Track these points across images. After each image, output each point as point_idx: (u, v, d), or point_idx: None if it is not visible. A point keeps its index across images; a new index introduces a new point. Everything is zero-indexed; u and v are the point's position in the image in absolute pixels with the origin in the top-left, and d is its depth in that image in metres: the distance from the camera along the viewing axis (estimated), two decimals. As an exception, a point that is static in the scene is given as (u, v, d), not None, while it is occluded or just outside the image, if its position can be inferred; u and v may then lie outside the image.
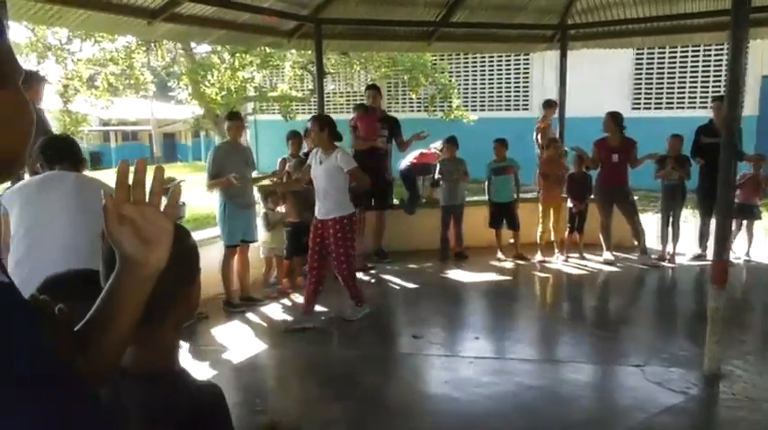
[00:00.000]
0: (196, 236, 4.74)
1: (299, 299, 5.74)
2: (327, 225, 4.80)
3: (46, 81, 5.36)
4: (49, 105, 14.15)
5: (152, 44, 13.66)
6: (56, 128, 13.76)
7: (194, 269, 1.23)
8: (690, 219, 7.97)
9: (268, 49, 12.15)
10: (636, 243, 6.82)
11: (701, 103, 12.00)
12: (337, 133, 4.92)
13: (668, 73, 12.51)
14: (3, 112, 0.71)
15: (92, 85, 13.28)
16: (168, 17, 5.80)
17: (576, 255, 7.03)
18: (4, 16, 4.18)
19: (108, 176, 11.15)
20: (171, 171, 11.66)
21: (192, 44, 13.27)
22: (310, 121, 4.98)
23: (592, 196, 6.93)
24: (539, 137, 8.33)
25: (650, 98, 12.73)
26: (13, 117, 0.73)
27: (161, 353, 1.19)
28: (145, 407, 1.14)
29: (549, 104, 8.50)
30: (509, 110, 14.26)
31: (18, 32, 12.25)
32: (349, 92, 15.66)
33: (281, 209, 5.94)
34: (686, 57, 12.32)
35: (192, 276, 1.21)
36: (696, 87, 12.29)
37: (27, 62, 12.15)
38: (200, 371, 4.14)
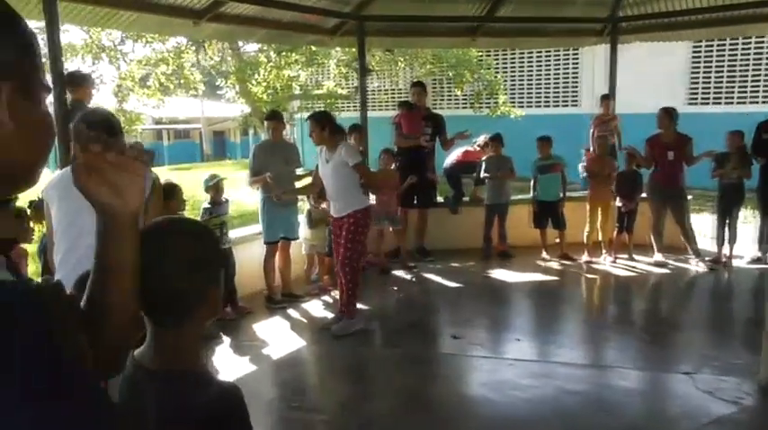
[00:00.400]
0: (240, 232, 4.83)
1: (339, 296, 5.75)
2: (343, 223, 4.70)
3: (94, 81, 5.52)
4: (105, 105, 14.69)
5: (201, 44, 13.96)
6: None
7: (218, 270, 1.22)
8: (750, 220, 7.60)
9: (313, 48, 12.24)
10: (687, 246, 6.53)
11: (763, 97, 11.44)
12: (339, 128, 4.84)
13: (728, 66, 11.95)
14: (25, 127, 0.74)
15: (144, 84, 13.68)
16: (213, 17, 5.90)
17: (625, 256, 6.80)
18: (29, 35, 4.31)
19: (162, 174, 11.43)
20: (220, 169, 11.92)
21: (240, 43, 13.50)
22: (308, 121, 4.76)
23: (642, 195, 6.69)
24: (595, 132, 8.03)
25: (708, 92, 12.20)
26: (34, 132, 0.77)
27: (183, 351, 1.19)
28: (164, 406, 1.14)
29: (605, 98, 8.17)
30: (557, 106, 13.95)
31: (74, 34, 12.74)
32: (393, 89, 15.64)
33: (325, 206, 5.94)
34: (748, 49, 11.72)
35: (215, 277, 1.21)
36: (759, 81, 11.69)
37: (82, 63, 12.62)
38: (240, 365, 4.20)
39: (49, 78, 4.13)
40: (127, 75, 13.27)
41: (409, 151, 6.69)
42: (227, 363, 4.25)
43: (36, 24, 5.13)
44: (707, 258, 6.47)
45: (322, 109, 14.40)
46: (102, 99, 14.42)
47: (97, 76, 13.25)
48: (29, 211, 4.06)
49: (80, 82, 5.02)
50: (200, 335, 1.26)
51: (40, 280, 0.86)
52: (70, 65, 11.72)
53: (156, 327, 1.17)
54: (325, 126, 4.60)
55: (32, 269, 4.76)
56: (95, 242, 0.91)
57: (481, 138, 7.44)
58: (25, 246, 4.20)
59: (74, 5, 4.89)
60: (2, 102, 0.72)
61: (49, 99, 0.81)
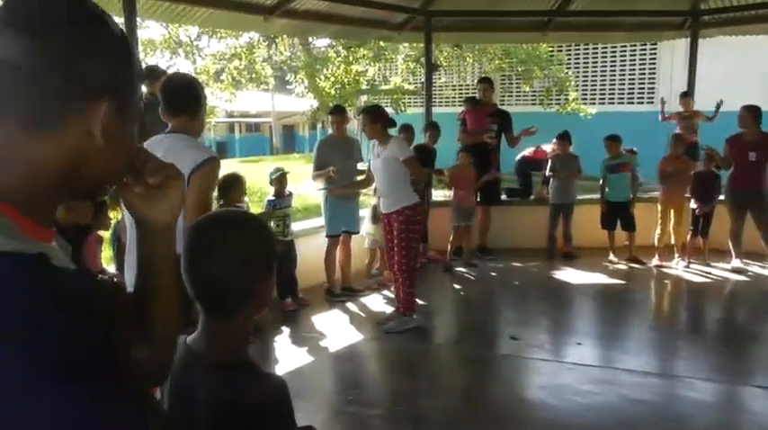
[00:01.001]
0: (304, 225, 4.90)
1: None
2: (392, 218, 4.65)
3: (166, 73, 5.67)
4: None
5: (273, 39, 14.28)
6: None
7: (269, 264, 1.23)
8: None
9: (381, 43, 12.29)
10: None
11: None
12: (391, 121, 4.76)
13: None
14: (113, 145, 0.76)
15: (218, 78, 14.14)
16: (283, 13, 6.03)
17: (699, 261, 6.48)
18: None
19: (232, 166, 11.78)
20: (288, 162, 12.17)
21: (310, 39, 13.71)
22: (361, 116, 4.73)
23: (720, 198, 6.35)
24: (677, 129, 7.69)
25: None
26: (119, 149, 0.79)
27: (231, 341, 1.22)
28: (215, 395, 1.17)
29: (685, 95, 7.80)
30: (632, 103, 13.42)
31: (154, 30, 13.30)
32: (461, 84, 15.48)
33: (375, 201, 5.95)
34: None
35: (265, 273, 1.22)
36: None
37: (161, 58, 13.17)
38: (298, 356, 4.28)
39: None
40: (202, 69, 13.75)
41: (474, 147, 6.61)
42: (286, 354, 4.34)
43: (116, 20, 5.35)
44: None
45: (388, 104, 14.49)
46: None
47: (174, 70, 13.83)
48: (107, 199, 4.26)
49: (158, 76, 5.18)
50: (247, 330, 1.27)
51: (99, 277, 0.90)
52: (150, 60, 12.27)
53: (206, 315, 1.21)
54: (377, 120, 4.58)
55: (107, 254, 5.01)
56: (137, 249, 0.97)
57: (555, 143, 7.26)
58: (102, 232, 4.41)
59: (152, 1, 5.10)
60: (97, 120, 0.73)
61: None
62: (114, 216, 4.39)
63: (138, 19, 4.94)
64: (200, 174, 2.39)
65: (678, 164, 6.45)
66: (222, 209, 1.26)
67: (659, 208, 6.50)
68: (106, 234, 4.57)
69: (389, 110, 14.22)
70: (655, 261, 6.46)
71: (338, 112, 5.66)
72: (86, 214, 3.84)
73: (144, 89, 4.94)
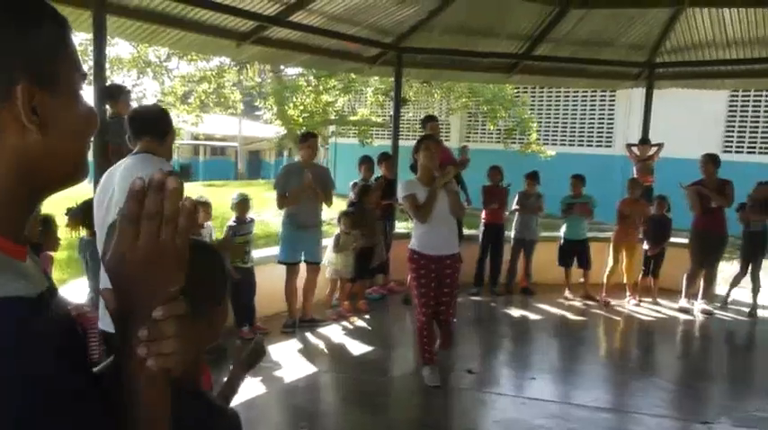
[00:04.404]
0: (265, 252, 4.85)
1: (358, 322, 5.77)
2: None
3: (130, 93, 5.58)
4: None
5: (243, 64, 14.32)
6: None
7: (219, 289, 1.19)
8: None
9: (351, 75, 12.47)
10: (703, 290, 6.47)
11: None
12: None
13: (764, 116, 11.84)
14: (58, 130, 0.68)
15: (185, 100, 14.07)
16: (256, 40, 6.09)
17: (649, 299, 6.70)
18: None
19: (196, 189, 11.61)
20: (253, 188, 12.11)
21: (281, 66, 13.81)
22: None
23: (671, 240, 6.64)
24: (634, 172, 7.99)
25: (743, 142, 12.06)
26: (71, 132, 0.70)
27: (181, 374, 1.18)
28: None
29: (643, 142, 8.13)
30: (590, 146, 13.89)
31: (122, 48, 13.20)
32: (428, 120, 15.74)
33: (355, 233, 5.94)
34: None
35: (216, 296, 1.17)
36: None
37: (127, 77, 13.05)
38: (251, 386, 4.22)
39: (91, 91, 4.28)
40: (170, 90, 13.66)
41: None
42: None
43: (85, 37, 5.30)
44: (708, 306, 6.40)
45: (356, 135, 14.60)
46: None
47: (140, 90, 13.69)
48: (66, 217, 4.15)
49: (115, 94, 4.99)
50: (200, 355, 1.22)
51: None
52: (116, 78, 12.14)
53: None
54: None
55: (56, 276, 4.86)
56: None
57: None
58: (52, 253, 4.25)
59: (122, 20, 5.10)
60: (17, 106, 0.63)
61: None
62: (74, 236, 4.28)
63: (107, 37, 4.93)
64: None
65: (635, 206, 6.70)
66: None
67: (611, 246, 6.72)
68: (58, 255, 4.44)
69: (355, 141, 14.37)
70: (602, 297, 6.64)
71: (306, 139, 5.62)
72: (34, 233, 3.72)
73: (108, 109, 4.87)
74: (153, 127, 2.70)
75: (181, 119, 14.09)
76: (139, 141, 2.71)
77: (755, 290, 6.34)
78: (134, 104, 5.50)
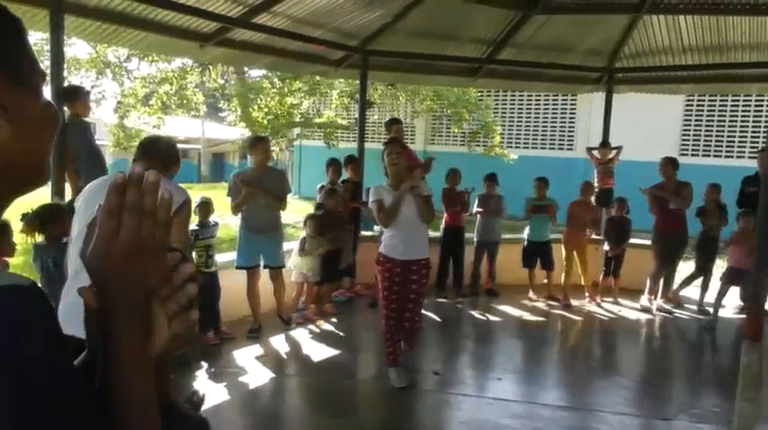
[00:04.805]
0: (227, 257, 4.77)
1: (324, 325, 5.74)
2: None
3: (88, 93, 5.45)
4: (105, 119, 14.82)
5: (206, 66, 14.15)
6: (110, 141, 14.36)
7: None
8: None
9: (316, 77, 12.43)
10: (662, 290, 6.66)
11: (749, 152, 11.68)
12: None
13: (718, 121, 12.27)
14: (23, 124, 0.67)
15: (146, 102, 13.81)
16: (220, 41, 6.02)
17: (610, 299, 6.85)
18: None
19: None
20: (216, 191, 11.92)
21: (245, 68, 13.69)
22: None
23: (631, 241, 6.81)
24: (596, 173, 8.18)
25: (698, 145, 12.46)
26: (35, 127, 0.70)
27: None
28: None
29: (603, 145, 8.32)
30: (552, 149, 14.14)
31: (80, 48, 12.88)
32: (394, 122, 15.80)
33: (321, 236, 5.90)
34: (737, 105, 12.04)
35: None
36: (746, 136, 11.98)
37: (86, 78, 12.74)
38: (217, 392, 4.16)
39: (49, 92, 4.17)
40: (130, 92, 13.40)
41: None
42: (204, 389, 4.21)
43: (42, 36, 5.16)
44: (667, 305, 6.60)
45: (320, 137, 14.55)
46: (103, 115, 14.54)
47: (99, 91, 13.39)
48: (22, 223, 4.03)
49: (73, 96, 4.87)
50: (166, 364, 1.21)
51: None
52: (74, 79, 11.83)
53: None
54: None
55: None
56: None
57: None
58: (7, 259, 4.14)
59: (81, 20, 4.97)
60: None
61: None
62: (28, 242, 4.14)
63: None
64: (180, 218, 2.58)
65: (583, 208, 6.84)
66: None
67: (563, 249, 6.84)
68: (13, 260, 4.30)
69: (321, 143, 14.33)
70: (563, 298, 6.76)
71: (255, 144, 5.47)
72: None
73: (66, 110, 4.75)
74: (159, 153, 2.89)
75: (142, 120, 13.84)
76: (144, 161, 2.82)
77: (704, 289, 6.55)
78: (93, 106, 5.35)
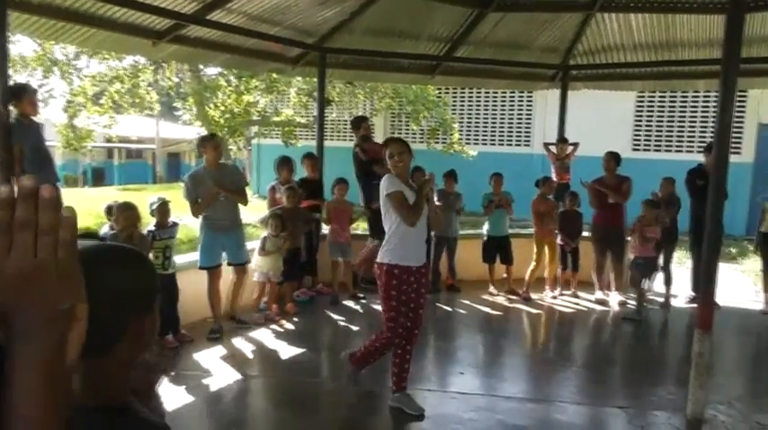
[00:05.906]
0: (186, 258, 4.68)
1: (287, 325, 5.69)
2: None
3: (35, 91, 5.25)
4: (54, 119, 14.31)
5: (160, 64, 13.82)
6: (59, 142, 13.89)
7: (147, 296, 1.12)
8: (683, 261, 7.95)
9: (274, 75, 12.30)
10: (615, 283, 6.81)
11: (698, 146, 12.10)
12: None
13: (668, 116, 12.68)
14: None
15: (96, 101, 13.41)
16: (173, 39, 5.89)
17: (569, 292, 7.00)
18: None
19: (110, 194, 11.09)
20: (173, 191, 11.72)
21: (200, 66, 13.43)
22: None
23: (585, 234, 6.94)
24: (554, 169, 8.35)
25: (650, 140, 12.84)
26: None
27: (105, 387, 1.11)
28: None
29: (561, 141, 8.48)
30: (510, 145, 14.34)
31: (25, 45, 12.42)
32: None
33: (284, 235, 5.84)
34: (686, 101, 12.48)
35: (143, 304, 1.11)
36: (695, 131, 12.42)
37: (31, 77, 12.28)
38: (177, 396, 4.08)
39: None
40: (79, 91, 12.98)
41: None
42: (164, 393, 4.11)
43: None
44: (622, 297, 6.76)
45: (279, 136, 14.40)
46: (51, 114, 14.04)
47: (47, 90, 12.94)
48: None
49: (18, 94, 4.67)
50: (127, 369, 1.19)
51: None
52: (19, 78, 11.39)
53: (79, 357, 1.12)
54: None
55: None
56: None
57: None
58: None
59: (26, 16, 4.79)
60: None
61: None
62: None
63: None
64: None
65: (546, 204, 6.97)
66: (95, 244, 1.10)
67: (534, 244, 6.96)
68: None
69: (279, 142, 14.18)
70: (524, 292, 6.87)
71: (205, 142, 5.38)
72: None
73: (12, 110, 4.58)
74: None
75: (92, 120, 13.43)
76: None
77: (668, 281, 6.74)
78: (41, 105, 5.17)
